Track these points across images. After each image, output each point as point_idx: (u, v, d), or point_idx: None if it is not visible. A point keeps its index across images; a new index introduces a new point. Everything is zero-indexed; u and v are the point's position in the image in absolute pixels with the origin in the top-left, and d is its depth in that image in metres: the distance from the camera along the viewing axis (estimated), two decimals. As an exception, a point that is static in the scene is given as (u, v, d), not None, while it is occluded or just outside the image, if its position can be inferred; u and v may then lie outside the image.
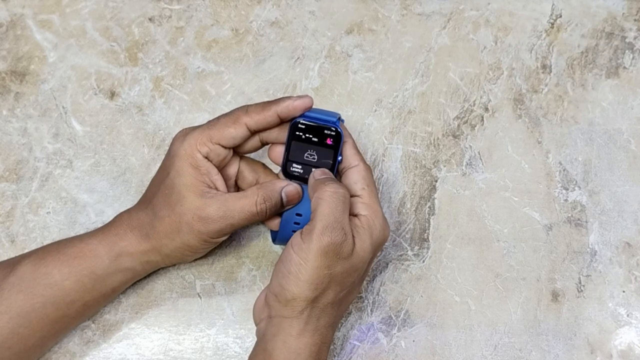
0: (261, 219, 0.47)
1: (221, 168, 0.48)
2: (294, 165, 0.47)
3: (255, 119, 0.46)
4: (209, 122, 0.47)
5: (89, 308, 0.48)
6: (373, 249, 0.45)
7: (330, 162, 0.47)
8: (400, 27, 0.62)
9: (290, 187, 0.47)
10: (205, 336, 0.52)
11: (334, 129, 0.47)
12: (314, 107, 0.48)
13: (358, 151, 0.48)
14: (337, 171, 0.48)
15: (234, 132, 0.46)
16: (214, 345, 0.51)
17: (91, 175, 0.56)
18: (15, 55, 0.60)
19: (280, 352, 0.43)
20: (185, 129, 0.48)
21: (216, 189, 0.47)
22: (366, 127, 0.58)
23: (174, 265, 0.53)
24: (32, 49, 0.60)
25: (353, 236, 0.44)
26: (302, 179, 0.48)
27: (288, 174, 0.48)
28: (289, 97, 0.47)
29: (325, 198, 0.43)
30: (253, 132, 0.47)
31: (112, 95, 0.59)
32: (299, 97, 0.47)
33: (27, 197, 0.55)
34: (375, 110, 0.59)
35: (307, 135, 0.47)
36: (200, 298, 0.53)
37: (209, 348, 0.51)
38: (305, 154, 0.47)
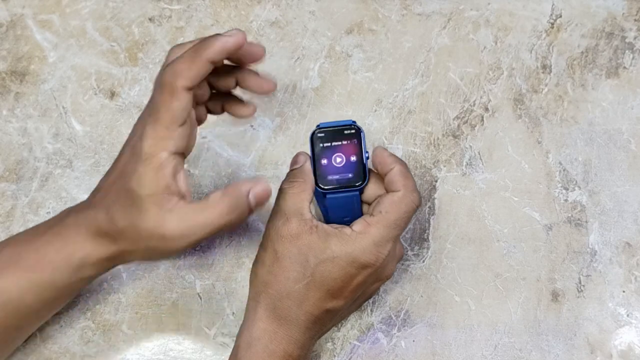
0: (230, 230, 0.45)
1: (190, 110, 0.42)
2: (325, 175, 0.46)
3: (190, 78, 0.40)
4: (150, 113, 0.41)
5: (54, 310, 0.47)
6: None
7: (357, 160, 0.46)
8: (400, 27, 0.62)
9: (258, 189, 0.42)
10: (205, 336, 0.52)
11: (352, 126, 0.46)
12: (322, 121, 0.47)
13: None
14: (367, 167, 0.46)
15: (179, 104, 0.40)
16: (214, 345, 0.51)
17: (91, 175, 0.56)
18: (15, 55, 0.60)
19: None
20: (138, 123, 0.43)
21: (179, 192, 0.41)
22: (366, 127, 0.58)
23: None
24: (32, 49, 0.60)
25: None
26: (339, 188, 0.46)
27: (323, 188, 0.45)
28: (215, 37, 0.41)
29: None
30: (195, 87, 0.41)
31: (112, 95, 0.59)
32: (227, 34, 0.41)
33: (27, 197, 0.55)
34: (375, 110, 0.59)
35: (328, 143, 0.46)
36: (200, 298, 0.53)
37: (209, 348, 0.51)
38: (333, 161, 0.46)
